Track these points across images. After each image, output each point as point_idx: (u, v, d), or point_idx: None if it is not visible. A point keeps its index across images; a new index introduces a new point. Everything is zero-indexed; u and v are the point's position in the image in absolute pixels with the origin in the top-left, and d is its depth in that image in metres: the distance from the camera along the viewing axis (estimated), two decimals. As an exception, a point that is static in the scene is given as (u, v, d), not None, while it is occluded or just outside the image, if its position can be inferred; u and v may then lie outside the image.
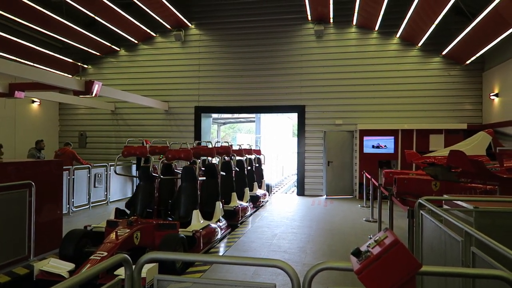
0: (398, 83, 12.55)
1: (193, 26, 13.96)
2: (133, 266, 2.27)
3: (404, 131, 12.23)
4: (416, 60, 12.56)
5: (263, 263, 2.21)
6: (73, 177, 9.54)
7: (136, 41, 14.26)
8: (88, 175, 10.13)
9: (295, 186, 17.53)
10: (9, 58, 11.11)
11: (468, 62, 11.89)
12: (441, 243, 3.13)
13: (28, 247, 5.73)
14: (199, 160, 8.15)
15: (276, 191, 15.66)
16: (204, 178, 8.04)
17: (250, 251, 6.48)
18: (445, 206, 4.21)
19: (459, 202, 3.63)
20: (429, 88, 12.40)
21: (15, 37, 11.58)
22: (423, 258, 3.60)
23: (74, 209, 9.56)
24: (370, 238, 7.34)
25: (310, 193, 13.17)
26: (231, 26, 13.66)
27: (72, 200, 9.51)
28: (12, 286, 5.05)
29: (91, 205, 10.18)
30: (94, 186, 10.32)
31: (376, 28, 12.52)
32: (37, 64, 12.37)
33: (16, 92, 9.80)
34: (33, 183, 5.71)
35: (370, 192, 9.19)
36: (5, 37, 11.27)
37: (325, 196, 12.83)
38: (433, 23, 10.53)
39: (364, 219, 9.07)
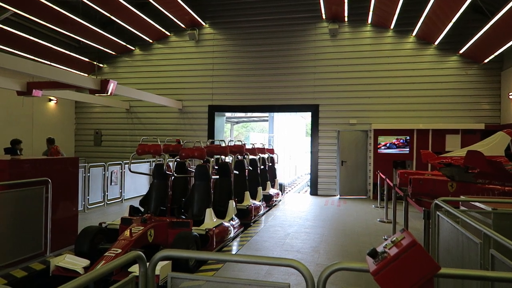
0: (414, 82, 12.38)
1: (207, 25, 14.01)
2: (147, 264, 2.29)
3: (420, 131, 12.06)
4: (432, 59, 12.36)
5: (277, 262, 2.19)
6: (88, 174, 9.66)
7: (150, 41, 14.37)
8: (103, 172, 10.24)
9: (308, 185, 17.47)
10: (27, 57, 11.31)
11: (486, 61, 11.65)
12: (458, 245, 3.07)
13: (45, 243, 5.83)
14: (213, 159, 8.17)
15: (289, 191, 15.62)
16: (218, 176, 8.04)
17: (263, 250, 6.47)
18: (462, 208, 4.13)
19: (476, 204, 3.56)
20: (445, 87, 12.19)
21: (33, 37, 11.79)
22: (439, 260, 3.54)
23: (89, 206, 9.69)
24: (385, 239, 7.28)
25: (323, 193, 13.09)
26: (245, 25, 13.66)
27: (88, 197, 9.64)
28: (29, 281, 5.14)
29: (106, 202, 10.31)
30: (110, 184, 10.44)
31: (392, 26, 12.37)
32: (54, 63, 12.59)
33: (34, 90, 9.97)
34: (49, 180, 5.80)
35: (385, 192, 9.09)
36: (24, 36, 11.49)
37: (338, 196, 12.74)
38: (450, 21, 10.35)
39: (378, 219, 8.98)
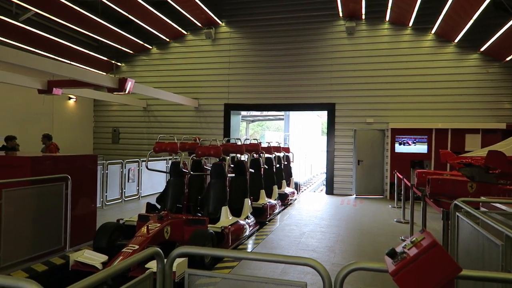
0: (433, 80, 12.17)
1: (223, 24, 14.05)
2: (165, 260, 2.31)
3: (438, 131, 11.85)
4: (452, 57, 12.13)
5: (294, 261, 2.19)
6: (106, 171, 9.81)
7: (167, 39, 14.50)
8: (121, 170, 10.39)
9: (323, 184, 17.37)
10: (47, 56, 11.56)
11: (508, 59, 11.36)
12: (479, 246, 3.00)
13: (64, 238, 5.94)
14: (228, 157, 8.19)
15: (305, 190, 15.55)
16: (233, 175, 8.04)
17: (279, 249, 6.46)
18: (482, 209, 4.05)
19: (497, 205, 3.49)
20: (465, 86, 11.95)
21: (53, 36, 12.03)
22: (458, 261, 3.47)
23: (107, 203, 9.84)
24: (402, 239, 7.19)
25: (339, 192, 13.00)
26: (261, 23, 13.65)
27: (106, 194, 9.79)
28: (49, 275, 5.25)
29: (123, 199, 10.45)
30: (127, 181, 10.58)
31: (410, 24, 12.18)
32: (73, 62, 12.83)
33: (54, 89, 10.19)
34: (69, 177, 5.91)
35: (402, 192, 8.97)
36: (44, 35, 11.73)
37: (354, 196, 12.63)
38: (471, 19, 10.13)
39: (395, 220, 8.87)
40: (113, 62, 14.63)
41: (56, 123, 13.72)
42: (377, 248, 6.50)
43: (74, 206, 6.16)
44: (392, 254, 1.57)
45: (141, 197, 11.09)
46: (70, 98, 14.25)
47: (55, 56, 12.16)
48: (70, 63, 12.22)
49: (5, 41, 10.77)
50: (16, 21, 10.58)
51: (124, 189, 10.50)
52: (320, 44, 13.15)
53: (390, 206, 10.79)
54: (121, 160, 10.62)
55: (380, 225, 8.31)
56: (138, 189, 11.11)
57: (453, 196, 5.99)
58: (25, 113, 12.33)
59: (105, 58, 14.51)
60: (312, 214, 9.50)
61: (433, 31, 11.97)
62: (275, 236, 7.26)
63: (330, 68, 12.99)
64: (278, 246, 6.62)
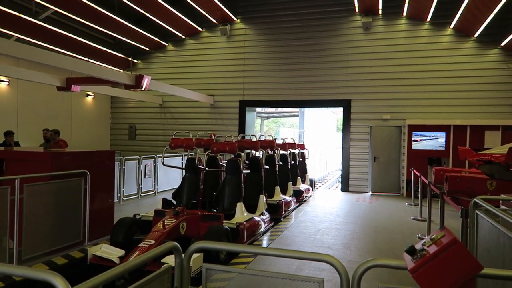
0: (451, 76, 11.94)
1: (238, 21, 14.05)
2: (183, 255, 2.34)
3: (457, 127, 11.64)
4: (471, 52, 11.87)
5: (311, 257, 2.19)
6: (123, 167, 9.95)
7: (183, 36, 14.57)
8: (138, 166, 10.52)
9: (338, 181, 17.26)
10: (66, 53, 11.75)
11: (530, 53, 11.09)
12: (499, 245, 2.95)
13: (83, 232, 6.06)
14: (243, 154, 8.20)
15: (320, 186, 15.50)
16: (248, 171, 8.04)
17: (294, 246, 6.46)
18: (502, 207, 3.98)
19: (519, 203, 3.42)
20: (485, 81, 11.69)
21: (71, 34, 12.22)
22: (478, 260, 3.42)
23: (124, 198, 9.99)
24: (419, 237, 7.10)
25: (355, 189, 12.91)
26: (276, 19, 13.60)
27: (123, 189, 9.94)
28: (68, 268, 5.37)
29: (140, 194, 10.59)
30: (144, 177, 10.71)
31: (428, 19, 11.97)
32: (91, 59, 13.01)
33: (72, 86, 10.35)
34: (87, 172, 6.02)
35: (419, 190, 8.85)
36: (63, 33, 11.92)
37: (370, 193, 12.53)
38: (491, 13, 9.90)
39: (411, 217, 8.77)
40: (130, 59, 14.79)
41: (75, 120, 13.97)
42: (393, 246, 6.45)
43: (93, 201, 6.27)
44: (411, 251, 1.56)
45: (157, 192, 11.22)
46: (88, 95, 14.47)
47: (73, 53, 12.36)
48: (88, 61, 12.41)
49: (26, 39, 10.99)
50: (36, 19, 10.77)
51: (141, 184, 10.64)
52: (336, 40, 13.03)
53: (406, 203, 10.67)
54: (138, 156, 10.75)
55: (396, 223, 8.23)
56: (154, 184, 11.24)
57: (472, 194, 5.88)
58: (45, 110, 12.58)
59: (122, 55, 14.68)
60: (327, 211, 9.46)
61: (451, 26, 11.74)
62: (290, 233, 7.26)
63: (346, 64, 12.87)
64: (293, 243, 6.62)
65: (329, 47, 13.07)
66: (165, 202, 7.11)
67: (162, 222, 5.61)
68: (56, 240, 5.60)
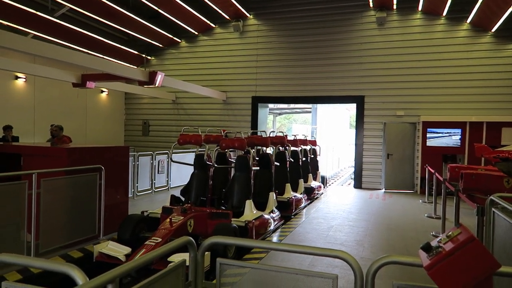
0: (467, 72, 11.74)
1: (251, 17, 14.02)
2: (196, 250, 2.36)
3: (472, 124, 11.44)
4: (488, 47, 11.64)
5: (325, 253, 2.19)
6: (137, 163, 10.06)
7: (196, 33, 14.62)
8: (151, 161, 10.63)
9: (351, 178, 17.15)
10: (80, 50, 11.90)
11: (549, 48, 10.83)
12: (516, 243, 2.91)
13: (98, 227, 6.16)
14: (254, 150, 8.12)
15: (332, 183, 15.43)
16: (258, 168, 7.87)
17: (306, 242, 6.46)
18: (519, 205, 3.90)
19: (537, 201, 3.35)
20: (502, 77, 11.45)
21: (86, 30, 12.37)
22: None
23: (138, 194, 10.10)
24: (433, 235, 7.01)
25: (368, 186, 12.82)
26: (289, 15, 13.54)
27: (137, 185, 10.05)
28: (84, 262, 5.46)
29: (153, 190, 10.70)
30: (157, 172, 10.81)
31: (444, 13, 11.77)
32: (105, 56, 13.16)
33: (87, 82, 10.49)
34: (102, 168, 6.11)
35: (433, 187, 8.75)
36: (78, 30, 12.07)
37: (383, 190, 12.43)
38: (510, 7, 9.68)
39: (425, 215, 8.68)
40: (143, 55, 14.91)
41: (90, 116, 14.16)
42: (407, 243, 6.40)
43: (107, 196, 6.35)
44: (427, 248, 1.55)
45: (170, 188, 11.31)
46: (102, 92, 14.65)
47: (88, 50, 12.52)
48: (103, 57, 12.55)
49: (42, 37, 11.16)
50: (52, 17, 10.92)
51: (154, 180, 10.74)
52: (349, 35, 12.92)
53: (420, 201, 10.56)
54: (151, 152, 10.85)
55: (410, 220, 8.16)
56: (167, 180, 11.33)
57: (488, 192, 5.80)
58: (61, 106, 12.78)
59: (136, 52, 14.80)
60: (340, 208, 9.42)
61: (468, 21, 11.53)
62: (302, 229, 7.25)
63: (360, 60, 12.75)
64: (305, 239, 6.61)
65: (342, 43, 12.96)
66: (174, 198, 7.03)
67: (169, 220, 5.54)
68: (72, 234, 5.70)
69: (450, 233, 1.54)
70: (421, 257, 1.60)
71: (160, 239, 5.00)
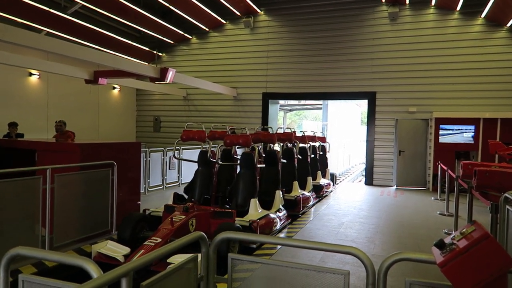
0: (481, 67, 11.54)
1: (262, 13, 13.98)
2: (209, 244, 2.37)
3: (486, 120, 11.27)
4: (503, 42, 11.43)
5: (337, 249, 2.19)
6: (149, 159, 10.14)
7: (207, 29, 14.63)
8: (162, 157, 10.70)
9: (362, 175, 17.07)
10: (93, 47, 12.01)
11: None
12: (531, 241, 2.87)
13: (110, 222, 6.23)
14: (260, 146, 7.99)
15: (342, 180, 15.35)
16: (263, 165, 7.55)
17: (317, 238, 6.45)
18: (534, 202, 3.84)
19: (552, 198, 3.30)
20: (517, 73, 11.25)
21: (98, 27, 12.48)
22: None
23: (149, 189, 10.19)
24: (445, 233, 6.93)
25: (379, 183, 12.74)
26: (300, 11, 13.46)
27: (148, 180, 10.13)
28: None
29: (165, 186, 10.78)
30: (169, 168, 10.89)
31: (458, 8, 11.58)
32: (117, 52, 13.26)
33: (99, 79, 10.59)
34: (115, 163, 6.17)
35: (446, 184, 8.65)
36: (90, 27, 12.18)
37: (395, 187, 12.33)
38: (526, 1, 9.50)
39: (438, 212, 8.59)
40: (155, 52, 14.98)
41: (102, 112, 14.30)
42: (419, 241, 6.35)
43: (119, 191, 6.42)
44: (441, 245, 1.54)
45: (181, 184, 11.37)
46: (114, 88, 14.77)
47: (100, 47, 12.62)
48: (114, 54, 12.64)
49: (55, 33, 11.29)
50: (64, 14, 11.04)
51: (165, 176, 10.82)
52: (361, 31, 12.80)
53: (432, 198, 10.46)
54: (162, 148, 10.92)
55: (422, 217, 8.09)
56: (178, 176, 11.40)
57: (502, 189, 5.71)
58: (74, 103, 12.93)
59: (147, 49, 14.88)
60: (350, 205, 9.38)
61: (483, 15, 11.33)
62: (313, 226, 7.24)
63: (371, 56, 12.63)
64: (316, 235, 6.61)
65: (354, 39, 12.85)
66: (176, 196, 6.85)
67: (170, 219, 5.36)
68: (85, 228, 5.79)
69: (464, 230, 1.53)
70: (434, 254, 1.59)
71: (160, 239, 4.82)
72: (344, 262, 5.12)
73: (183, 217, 5.43)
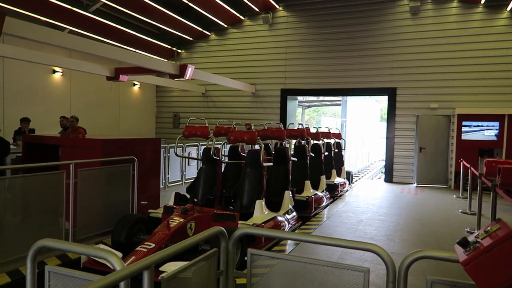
0: (505, 62, 11.20)
1: (280, 8, 13.92)
2: (228, 239, 2.39)
3: (511, 117, 10.96)
4: (530, 36, 11.08)
5: (357, 246, 2.18)
6: (168, 155, 10.26)
7: (225, 25, 14.67)
8: (182, 153, 10.80)
9: (382, 172, 16.85)
10: (114, 44, 12.20)
11: None
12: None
13: (131, 216, 6.33)
14: (270, 143, 7.83)
15: (361, 177, 15.20)
16: (270, 164, 6.96)
17: (335, 236, 6.40)
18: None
19: None
20: (545, 68, 10.89)
21: (118, 25, 12.67)
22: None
23: (169, 185, 10.32)
24: (468, 231, 6.80)
25: (399, 180, 12.56)
26: (319, 6, 13.34)
27: (168, 176, 10.26)
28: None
29: (184, 181, 10.90)
30: (188, 164, 11.00)
31: (482, 1, 11.27)
32: (137, 49, 13.44)
33: (120, 75, 10.77)
34: (135, 159, 6.27)
35: (468, 182, 8.47)
36: (111, 25, 12.38)
37: (415, 184, 12.14)
38: (555, -7, 9.17)
39: (460, 210, 8.42)
40: (174, 49, 15.10)
41: (122, 108, 14.54)
42: (439, 239, 6.24)
43: (140, 186, 6.51)
44: (464, 243, 1.51)
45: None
46: (134, 85, 14.99)
47: (120, 44, 12.81)
48: (135, 51, 12.82)
49: (77, 31, 11.52)
50: (86, 12, 11.24)
51: (185, 171, 10.94)
52: (381, 25, 12.60)
53: (454, 196, 10.25)
54: (182, 144, 11.01)
55: (443, 215, 7.95)
56: (197, 172, 11.48)
57: (528, 187, 5.57)
58: (95, 99, 13.19)
59: (166, 45, 15.03)
60: (370, 202, 9.29)
61: (508, 8, 10.99)
62: (331, 222, 7.21)
63: (392, 51, 12.43)
64: (334, 232, 6.57)
65: (374, 34, 12.66)
66: (178, 197, 6.42)
67: (167, 222, 4.92)
68: (107, 222, 5.89)
69: (488, 228, 1.50)
70: (457, 252, 1.57)
71: (153, 245, 4.40)
72: (363, 260, 5.08)
73: (181, 220, 4.97)
